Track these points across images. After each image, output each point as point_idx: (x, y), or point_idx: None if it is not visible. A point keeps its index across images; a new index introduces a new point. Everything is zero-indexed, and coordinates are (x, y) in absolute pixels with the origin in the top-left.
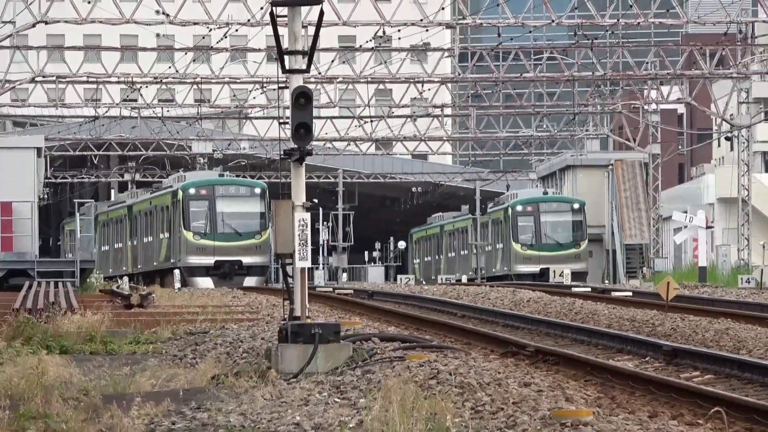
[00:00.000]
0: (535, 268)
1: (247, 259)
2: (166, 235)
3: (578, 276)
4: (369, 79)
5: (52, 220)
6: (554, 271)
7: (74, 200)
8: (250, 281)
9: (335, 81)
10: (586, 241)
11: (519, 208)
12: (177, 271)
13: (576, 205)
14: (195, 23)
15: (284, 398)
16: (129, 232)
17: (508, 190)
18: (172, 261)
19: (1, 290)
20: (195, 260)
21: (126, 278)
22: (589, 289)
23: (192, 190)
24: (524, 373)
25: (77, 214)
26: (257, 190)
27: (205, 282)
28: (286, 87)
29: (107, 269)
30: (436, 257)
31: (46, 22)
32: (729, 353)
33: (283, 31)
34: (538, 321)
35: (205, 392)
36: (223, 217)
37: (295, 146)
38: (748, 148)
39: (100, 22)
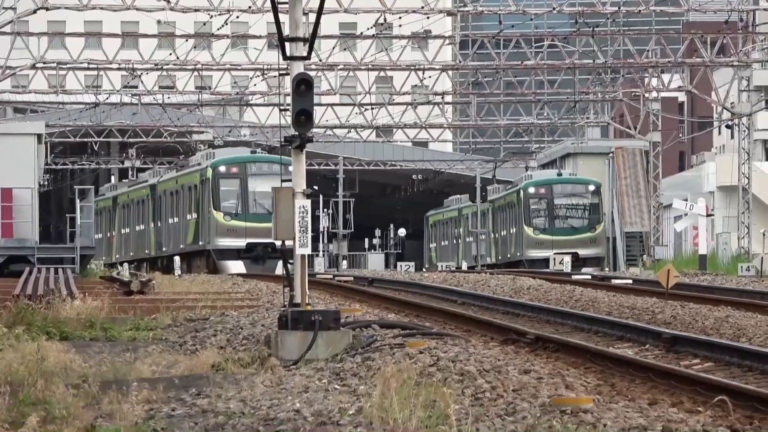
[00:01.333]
0: (548, 254)
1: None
2: (194, 215)
3: (594, 261)
4: (370, 67)
5: (53, 206)
6: (554, 259)
7: (74, 186)
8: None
9: (336, 68)
10: (603, 224)
11: (531, 190)
12: (177, 258)
13: (591, 187)
14: (196, 10)
15: (284, 385)
16: (152, 214)
17: (527, 171)
18: (200, 243)
19: (1, 276)
20: (225, 242)
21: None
22: (589, 277)
23: (222, 168)
24: (524, 361)
25: (77, 200)
26: (291, 168)
27: (237, 266)
28: (287, 74)
29: (127, 253)
30: (454, 242)
31: (47, 9)
32: (729, 341)
33: (284, 18)
34: (538, 308)
35: (205, 379)
36: (256, 196)
37: (296, 133)
38: (748, 136)
39: (101, 8)
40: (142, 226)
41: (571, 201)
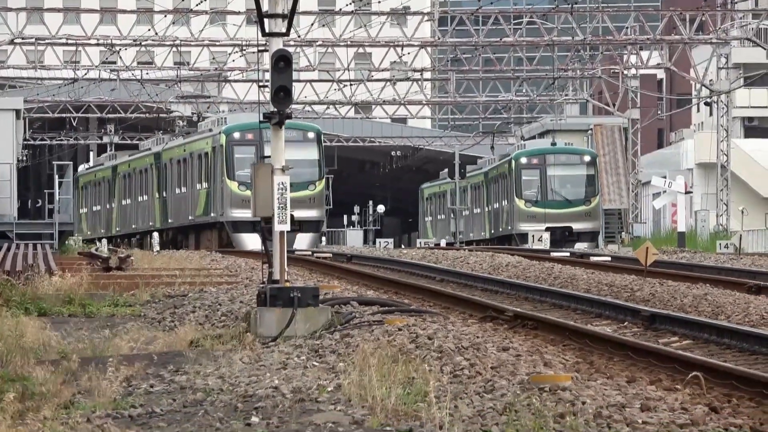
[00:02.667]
0: (540, 227)
1: (299, 213)
2: (205, 185)
3: (588, 236)
4: (348, 43)
5: (31, 182)
6: (533, 236)
7: (53, 162)
8: (302, 240)
9: (315, 44)
10: (598, 197)
11: (523, 160)
12: (156, 234)
13: (587, 157)
14: None
15: (263, 362)
16: (156, 184)
17: (518, 141)
18: (212, 215)
19: None
20: (240, 214)
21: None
22: (567, 254)
23: (236, 134)
24: (503, 338)
25: (56, 176)
26: (311, 135)
27: (252, 239)
28: (266, 50)
29: (129, 225)
30: (452, 216)
31: None
32: (707, 319)
33: None
34: (516, 285)
35: (184, 355)
36: None
37: (275, 109)
38: (727, 113)
39: None
40: (145, 197)
41: (565, 172)
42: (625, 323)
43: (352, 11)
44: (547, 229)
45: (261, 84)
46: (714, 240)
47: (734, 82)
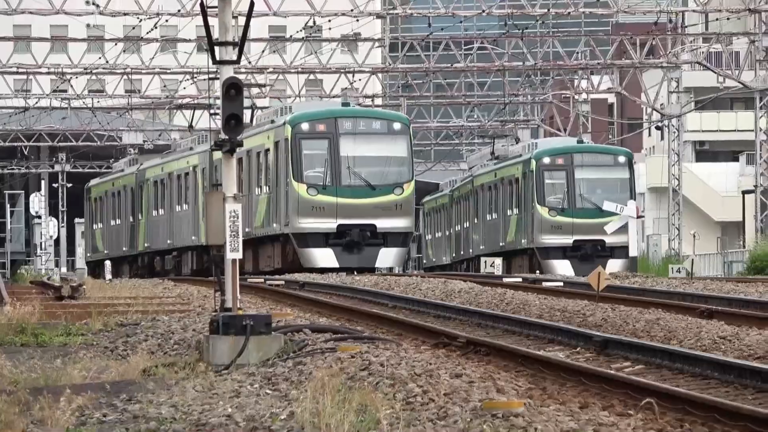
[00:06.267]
0: (567, 240)
1: (383, 223)
2: (265, 190)
3: (623, 252)
4: (299, 70)
5: None
6: (485, 261)
7: (4, 191)
8: (387, 256)
9: (266, 71)
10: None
11: (546, 160)
12: (108, 262)
13: (622, 158)
14: (125, 14)
15: (215, 390)
16: (201, 189)
17: (517, 143)
18: (274, 226)
19: None
20: (309, 224)
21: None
22: (519, 280)
23: (305, 125)
24: (455, 365)
25: (7, 205)
26: (398, 126)
27: (325, 256)
28: (217, 78)
29: (160, 241)
30: (447, 233)
31: None
32: (660, 344)
33: (213, 21)
34: (469, 312)
35: (136, 384)
36: (350, 162)
37: (226, 137)
38: (678, 137)
39: (30, 12)
40: (185, 207)
41: (596, 174)
42: (578, 349)
43: (303, 38)
44: (575, 242)
45: (212, 112)
46: (666, 264)
47: (685, 106)
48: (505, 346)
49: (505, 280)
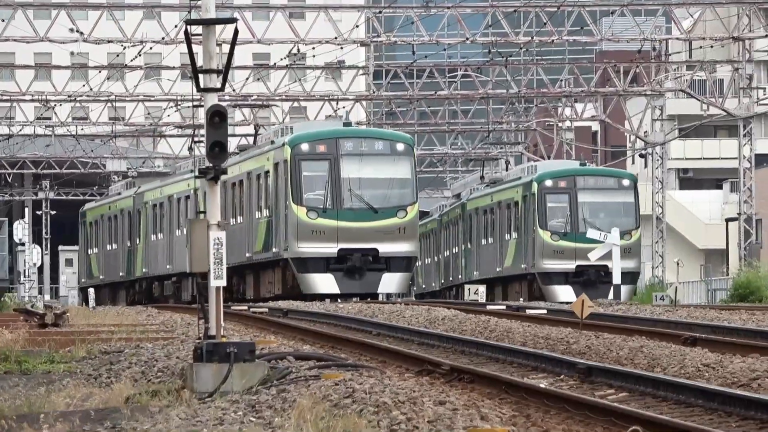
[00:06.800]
0: (569, 265)
1: (386, 247)
2: (265, 214)
3: (628, 278)
4: (283, 97)
5: None
6: (469, 288)
7: None
8: (390, 281)
9: (250, 99)
10: (640, 231)
11: (548, 182)
12: (92, 290)
13: (626, 181)
14: (109, 41)
15: (199, 417)
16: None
17: (507, 168)
18: (274, 251)
19: None
20: (309, 249)
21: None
22: (503, 307)
23: (305, 147)
24: (439, 392)
25: None
26: (401, 147)
27: (325, 281)
28: (201, 105)
29: (158, 266)
30: (435, 258)
31: None
32: (643, 371)
33: (197, 49)
34: (453, 339)
35: (120, 412)
36: (351, 184)
37: (210, 165)
38: (662, 165)
39: (14, 40)
40: (184, 231)
41: (600, 198)
42: (562, 376)
43: (287, 66)
44: (578, 267)
45: (196, 139)
46: (649, 292)
47: (669, 134)
48: (489, 374)
49: (489, 307)
